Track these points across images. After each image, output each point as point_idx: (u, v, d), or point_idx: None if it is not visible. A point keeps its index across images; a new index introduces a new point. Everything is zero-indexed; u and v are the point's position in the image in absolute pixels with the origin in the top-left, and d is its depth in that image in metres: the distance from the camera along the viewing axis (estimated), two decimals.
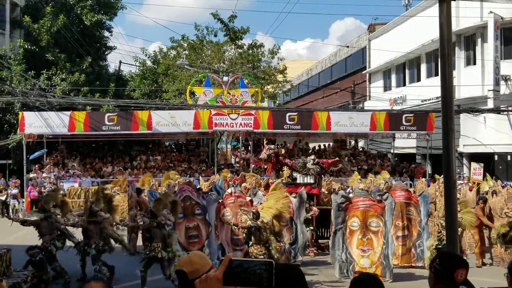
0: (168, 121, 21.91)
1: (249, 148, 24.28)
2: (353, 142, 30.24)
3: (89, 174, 21.71)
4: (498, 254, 10.99)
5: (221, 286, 1.69)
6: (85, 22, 25.93)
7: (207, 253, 9.77)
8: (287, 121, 22.58)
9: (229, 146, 30.88)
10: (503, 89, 22.10)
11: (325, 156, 22.06)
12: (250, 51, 30.44)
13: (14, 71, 22.80)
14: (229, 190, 11.20)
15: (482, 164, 21.22)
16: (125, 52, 40.91)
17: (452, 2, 4.66)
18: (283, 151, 21.15)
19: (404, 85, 29.98)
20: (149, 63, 33.91)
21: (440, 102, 4.97)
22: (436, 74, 25.31)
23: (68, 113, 21.61)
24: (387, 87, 32.38)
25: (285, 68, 32.06)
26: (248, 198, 10.82)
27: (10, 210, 19.94)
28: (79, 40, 25.05)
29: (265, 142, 22.70)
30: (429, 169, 23.86)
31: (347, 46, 37.27)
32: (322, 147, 26.01)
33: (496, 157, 22.40)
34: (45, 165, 21.81)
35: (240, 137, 26.50)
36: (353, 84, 37.04)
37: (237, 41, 30.41)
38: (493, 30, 21.69)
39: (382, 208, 9.76)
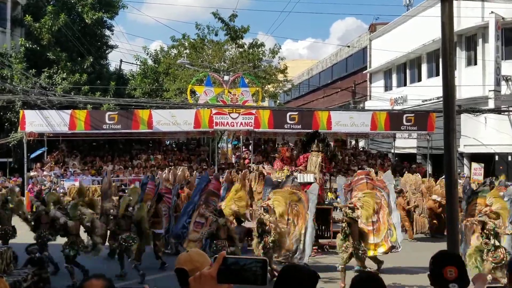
0: (169, 120, 21.92)
1: (250, 148, 24.27)
2: (353, 142, 30.24)
3: (89, 172, 21.71)
4: None
5: (215, 283, 1.68)
6: (86, 21, 25.92)
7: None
8: (288, 121, 22.58)
9: (229, 145, 30.85)
10: (504, 89, 22.08)
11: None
12: (251, 51, 30.41)
13: (15, 69, 22.80)
14: None
15: (483, 164, 21.21)
16: (126, 51, 41.11)
17: (454, 1, 4.65)
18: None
19: (405, 85, 29.95)
20: (150, 62, 33.91)
21: (441, 102, 4.97)
22: (437, 74, 25.28)
23: (69, 111, 21.61)
24: (387, 87, 32.34)
25: (285, 67, 32.00)
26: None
27: None
28: (80, 39, 25.04)
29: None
30: (429, 169, 23.85)
31: (348, 46, 37.20)
32: None
33: (496, 157, 22.38)
34: (45, 163, 21.81)
35: (241, 137, 26.49)
36: (353, 84, 37.00)
37: (238, 40, 30.37)
38: (494, 30, 21.66)
39: None
